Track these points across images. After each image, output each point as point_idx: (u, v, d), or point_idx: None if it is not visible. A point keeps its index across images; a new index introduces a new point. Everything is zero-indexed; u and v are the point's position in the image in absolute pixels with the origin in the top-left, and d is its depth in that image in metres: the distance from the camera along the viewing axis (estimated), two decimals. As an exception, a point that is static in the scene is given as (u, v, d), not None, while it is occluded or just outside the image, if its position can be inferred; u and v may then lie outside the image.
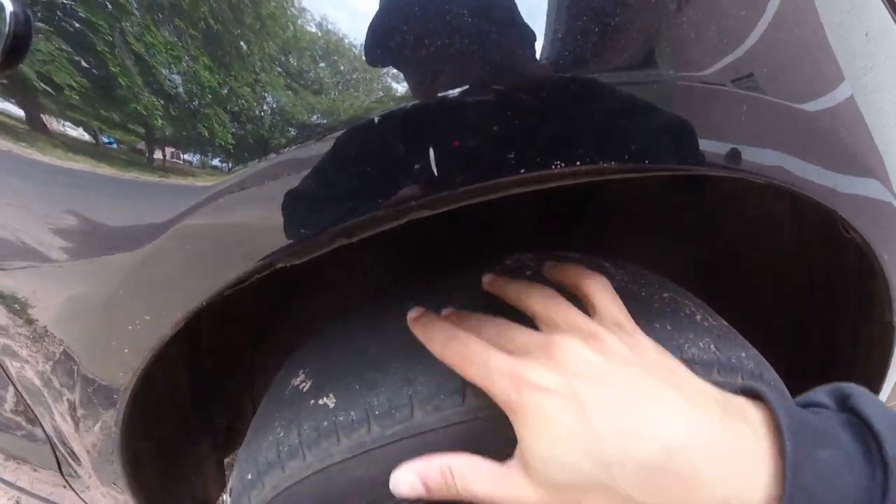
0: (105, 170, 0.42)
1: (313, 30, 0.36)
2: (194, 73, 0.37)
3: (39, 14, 0.37)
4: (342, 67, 0.36)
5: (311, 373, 0.59)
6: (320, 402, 0.53)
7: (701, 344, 0.56)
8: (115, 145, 0.41)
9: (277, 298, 0.92)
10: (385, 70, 0.35)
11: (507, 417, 0.44)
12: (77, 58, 0.37)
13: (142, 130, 0.39)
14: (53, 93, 0.39)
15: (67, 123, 0.41)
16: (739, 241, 0.91)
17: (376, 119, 0.35)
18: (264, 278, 0.74)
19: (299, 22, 0.36)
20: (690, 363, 0.53)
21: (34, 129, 0.42)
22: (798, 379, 0.89)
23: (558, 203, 0.92)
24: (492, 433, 0.48)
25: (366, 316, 0.63)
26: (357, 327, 0.61)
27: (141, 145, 0.40)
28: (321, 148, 0.37)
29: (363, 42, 0.36)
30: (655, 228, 0.94)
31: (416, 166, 0.35)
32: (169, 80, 0.37)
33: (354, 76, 0.36)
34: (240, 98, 0.36)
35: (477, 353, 0.44)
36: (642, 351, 0.44)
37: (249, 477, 0.59)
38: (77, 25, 0.37)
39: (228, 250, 0.41)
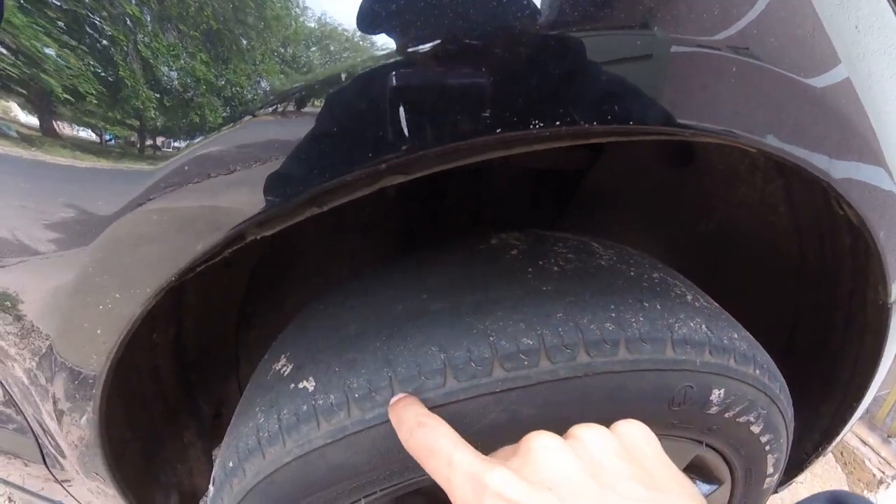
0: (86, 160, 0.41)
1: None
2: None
3: (74, 33, 0.36)
4: (309, 34, 0.34)
5: (292, 356, 0.57)
6: (300, 385, 0.52)
7: (692, 324, 0.54)
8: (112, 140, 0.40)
9: (266, 282, 0.91)
10: (356, 34, 0.33)
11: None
12: (98, 69, 0.36)
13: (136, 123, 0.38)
14: (74, 100, 0.38)
15: (79, 126, 0.40)
16: (734, 224, 0.89)
17: (344, 81, 0.33)
18: (254, 261, 0.71)
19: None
20: (682, 343, 0.52)
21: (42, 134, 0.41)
22: (792, 362, 0.88)
23: (550, 185, 0.90)
24: (475, 416, 0.46)
25: (346, 293, 0.61)
26: (337, 305, 0.59)
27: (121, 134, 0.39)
28: (289, 116, 0.35)
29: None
30: (649, 211, 0.92)
31: (386, 127, 0.33)
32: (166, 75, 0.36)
33: (320, 44, 0.33)
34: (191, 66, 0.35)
35: (442, 446, 0.39)
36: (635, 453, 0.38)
37: (231, 464, 0.57)
38: (105, 43, 0.36)
39: (194, 223, 0.39)
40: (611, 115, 0.35)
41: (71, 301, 0.52)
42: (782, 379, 0.67)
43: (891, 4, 0.56)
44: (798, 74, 0.46)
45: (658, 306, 0.54)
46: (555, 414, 0.48)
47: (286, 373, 0.55)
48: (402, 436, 0.42)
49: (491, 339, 0.47)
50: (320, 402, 0.49)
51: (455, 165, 0.37)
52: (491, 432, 0.47)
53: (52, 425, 0.73)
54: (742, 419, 0.61)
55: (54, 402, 0.67)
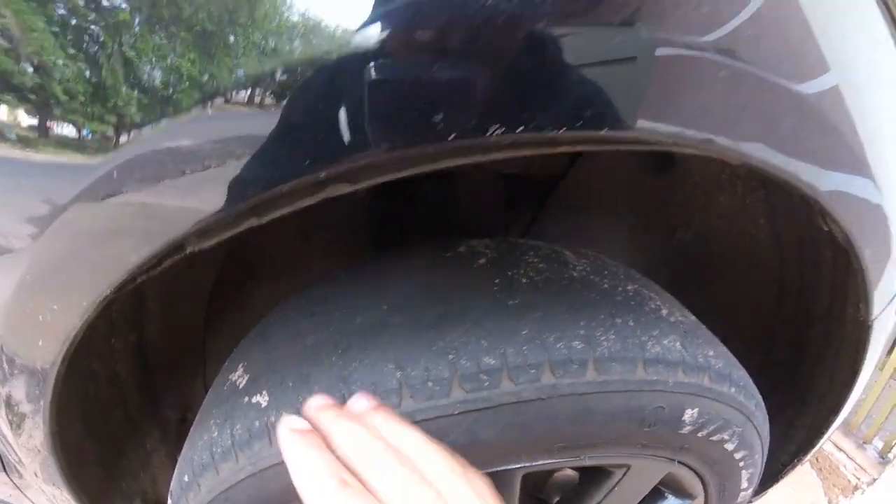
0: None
1: None
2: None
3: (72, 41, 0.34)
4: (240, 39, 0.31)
5: (249, 365, 0.55)
6: (254, 399, 0.50)
7: (666, 342, 0.52)
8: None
9: (233, 283, 0.88)
10: (292, 34, 0.30)
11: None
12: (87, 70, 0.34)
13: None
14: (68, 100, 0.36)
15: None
16: (713, 234, 0.88)
17: (279, 83, 0.30)
18: (220, 262, 0.69)
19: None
20: (654, 362, 0.50)
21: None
22: (768, 375, 0.87)
23: (525, 190, 0.88)
24: (433, 436, 0.44)
25: (307, 300, 0.58)
26: (297, 312, 0.57)
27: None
28: (223, 121, 0.32)
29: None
30: (627, 218, 0.91)
31: (325, 133, 0.30)
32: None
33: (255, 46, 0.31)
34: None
35: None
36: None
37: (186, 478, 0.55)
38: (95, 47, 0.34)
39: (128, 233, 0.36)
40: (581, 122, 0.32)
41: (11, 309, 0.50)
42: (759, 396, 0.65)
43: (883, 11, 0.54)
44: (787, 80, 0.44)
45: (631, 322, 0.52)
46: (517, 436, 0.46)
47: (241, 385, 0.53)
48: (304, 479, 0.36)
49: (451, 357, 0.45)
50: (273, 419, 0.47)
51: (406, 175, 0.34)
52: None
53: (7, 432, 0.70)
54: (716, 438, 0.59)
55: (8, 407, 0.65)
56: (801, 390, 0.87)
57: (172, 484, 0.59)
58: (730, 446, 0.62)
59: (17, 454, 0.75)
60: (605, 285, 0.56)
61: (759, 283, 0.87)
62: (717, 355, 0.57)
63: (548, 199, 0.87)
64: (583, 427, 0.48)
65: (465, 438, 0.45)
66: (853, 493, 1.76)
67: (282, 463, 0.47)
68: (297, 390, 0.47)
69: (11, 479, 0.88)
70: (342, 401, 0.44)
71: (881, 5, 0.53)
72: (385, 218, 0.87)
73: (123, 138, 0.34)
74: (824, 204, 0.51)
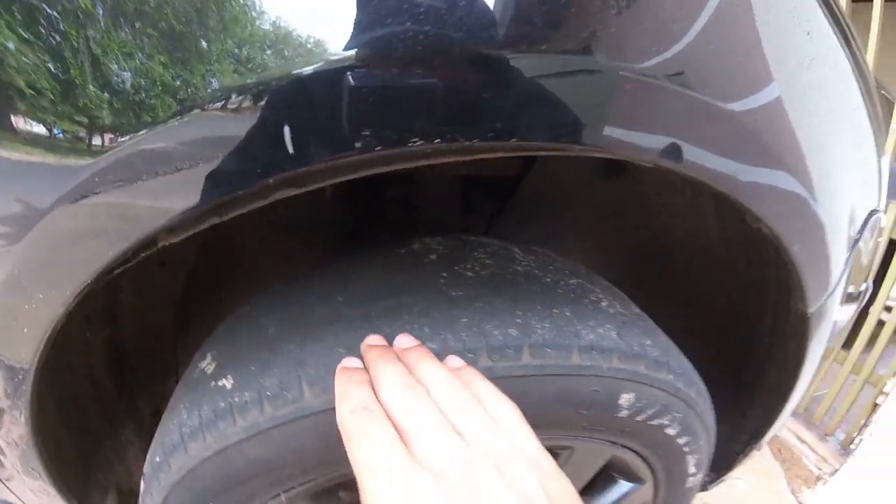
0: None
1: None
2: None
3: (29, 28, 0.36)
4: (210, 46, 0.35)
5: (216, 355, 0.59)
6: (219, 383, 0.53)
7: (601, 330, 0.57)
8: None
9: (204, 282, 0.91)
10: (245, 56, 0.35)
11: None
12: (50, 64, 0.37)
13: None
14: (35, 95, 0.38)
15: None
16: (667, 232, 0.92)
17: (231, 99, 0.35)
18: (191, 260, 0.72)
19: None
20: (588, 349, 0.55)
21: None
22: (720, 368, 0.91)
23: (484, 191, 0.93)
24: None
25: (272, 296, 0.63)
26: (262, 308, 0.61)
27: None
28: (186, 130, 0.36)
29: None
30: (586, 218, 0.95)
31: (273, 145, 0.35)
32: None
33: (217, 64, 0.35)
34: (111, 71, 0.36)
35: (378, 442, 0.37)
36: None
37: (157, 459, 0.59)
38: (57, 38, 0.36)
39: (103, 229, 0.40)
40: (492, 133, 0.37)
41: (3, 300, 0.53)
42: (700, 384, 0.69)
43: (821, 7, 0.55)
44: (716, 100, 0.47)
45: (567, 313, 0.56)
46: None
47: (209, 371, 0.57)
48: (342, 409, 0.41)
49: None
50: (236, 399, 0.51)
51: (346, 179, 0.39)
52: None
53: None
54: (655, 422, 0.63)
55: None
56: (752, 381, 0.91)
57: (145, 465, 0.62)
58: (671, 431, 0.66)
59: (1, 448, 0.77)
60: (548, 279, 0.60)
61: (713, 280, 0.91)
62: (654, 344, 0.61)
63: (506, 200, 0.91)
64: (521, 408, 0.52)
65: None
66: (815, 484, 1.81)
67: (244, 440, 0.51)
68: (259, 374, 0.51)
69: (-7, 472, 0.90)
70: (299, 385, 0.49)
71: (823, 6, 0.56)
72: (350, 219, 0.91)
73: (97, 141, 0.38)
74: (747, 205, 0.55)
